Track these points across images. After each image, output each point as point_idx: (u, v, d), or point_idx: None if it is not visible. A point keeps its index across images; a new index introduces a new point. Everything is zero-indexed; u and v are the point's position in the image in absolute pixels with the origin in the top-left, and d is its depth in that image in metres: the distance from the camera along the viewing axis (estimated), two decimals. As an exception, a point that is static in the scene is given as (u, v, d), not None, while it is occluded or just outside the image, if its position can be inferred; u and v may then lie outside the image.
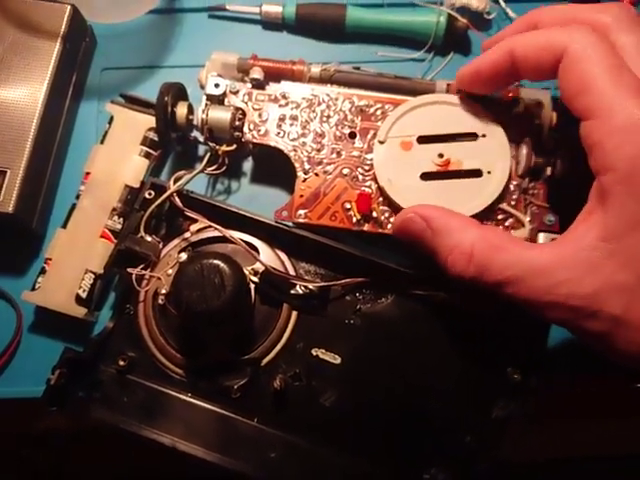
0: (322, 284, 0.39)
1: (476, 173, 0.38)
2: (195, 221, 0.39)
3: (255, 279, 0.38)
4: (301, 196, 0.39)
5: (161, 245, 0.40)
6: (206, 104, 0.40)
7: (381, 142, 0.39)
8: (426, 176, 0.38)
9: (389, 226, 0.39)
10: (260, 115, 0.40)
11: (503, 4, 0.48)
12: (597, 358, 0.33)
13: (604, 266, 0.28)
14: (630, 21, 0.32)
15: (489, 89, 0.38)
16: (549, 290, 0.29)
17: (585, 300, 0.28)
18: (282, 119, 0.40)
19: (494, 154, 0.39)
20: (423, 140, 0.39)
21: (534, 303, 0.30)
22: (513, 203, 0.38)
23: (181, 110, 0.40)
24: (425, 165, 0.38)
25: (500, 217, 0.38)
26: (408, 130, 0.39)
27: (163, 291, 0.38)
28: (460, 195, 0.38)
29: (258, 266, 0.38)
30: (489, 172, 0.38)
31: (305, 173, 0.39)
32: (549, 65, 0.32)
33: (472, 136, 0.39)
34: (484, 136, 0.39)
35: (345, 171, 0.39)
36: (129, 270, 0.38)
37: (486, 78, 0.36)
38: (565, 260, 0.29)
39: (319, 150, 0.40)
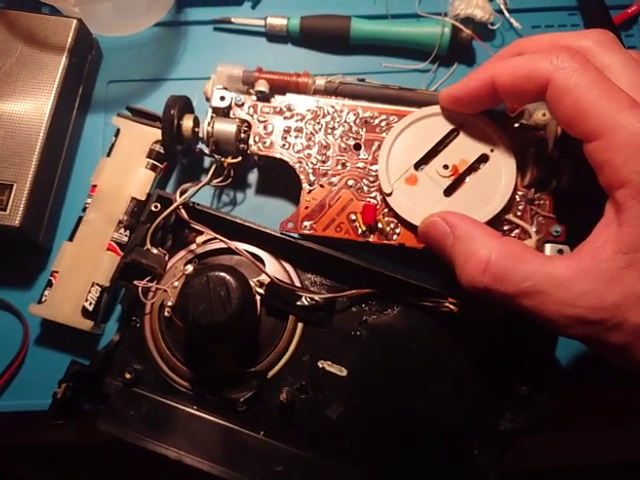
0: (328, 295, 0.39)
1: (483, 159, 0.39)
2: (201, 233, 0.40)
3: (261, 291, 0.38)
4: (306, 207, 0.39)
5: (167, 257, 0.40)
6: (212, 117, 0.40)
7: (389, 194, 0.38)
8: (448, 191, 0.38)
9: (394, 237, 0.39)
10: (265, 127, 0.41)
11: (507, 14, 0.48)
12: (605, 369, 0.33)
13: (624, 277, 0.28)
14: (611, 43, 0.33)
15: (471, 110, 0.38)
16: (572, 303, 0.29)
17: (608, 312, 0.28)
18: (287, 131, 0.40)
19: (480, 133, 0.39)
20: (419, 164, 0.39)
21: (555, 317, 0.29)
22: (519, 214, 0.38)
23: (187, 123, 0.40)
24: (440, 183, 0.38)
25: (506, 228, 0.38)
26: (402, 167, 0.39)
27: (169, 303, 0.38)
28: (486, 188, 0.38)
29: (264, 278, 0.38)
30: (492, 150, 0.38)
31: (310, 185, 0.40)
32: (532, 93, 0.32)
33: (454, 132, 0.39)
34: (462, 125, 0.39)
35: (350, 182, 0.40)
36: (135, 282, 0.38)
37: (467, 103, 0.37)
38: (585, 272, 0.29)
39: (324, 162, 0.40)
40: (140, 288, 0.38)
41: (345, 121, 0.40)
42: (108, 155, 0.43)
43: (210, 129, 0.40)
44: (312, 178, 0.40)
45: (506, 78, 0.33)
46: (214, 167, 0.41)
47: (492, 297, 0.31)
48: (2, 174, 0.40)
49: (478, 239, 0.32)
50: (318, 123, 0.40)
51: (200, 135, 0.40)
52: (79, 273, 0.41)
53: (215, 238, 0.39)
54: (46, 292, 0.40)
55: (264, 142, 0.40)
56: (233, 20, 0.48)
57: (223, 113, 0.41)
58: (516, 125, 0.39)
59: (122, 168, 0.43)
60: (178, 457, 0.37)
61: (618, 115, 0.29)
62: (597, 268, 0.29)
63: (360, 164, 0.40)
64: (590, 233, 0.31)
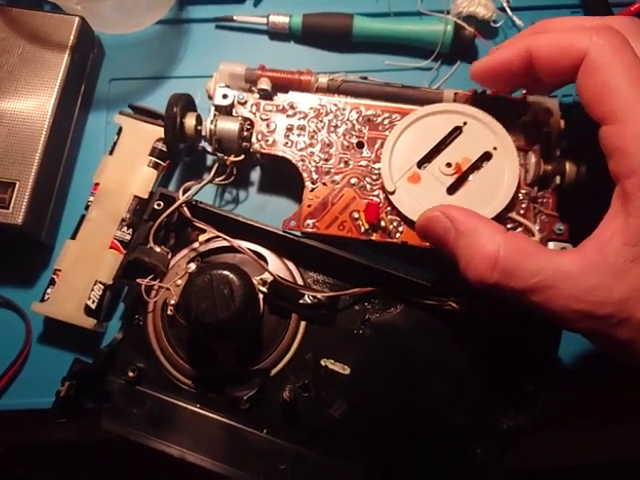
0: (331, 294, 0.39)
1: (486, 157, 0.39)
2: (204, 231, 0.40)
3: (264, 289, 0.38)
4: (309, 206, 0.39)
5: (170, 255, 0.40)
6: (214, 115, 0.40)
7: (392, 192, 0.38)
8: (451, 190, 0.38)
9: (397, 235, 0.39)
10: (268, 125, 0.40)
11: (510, 12, 0.48)
12: (609, 367, 0.33)
13: (631, 271, 0.28)
14: (638, 31, 0.32)
15: (501, 87, 0.37)
16: (580, 298, 0.28)
17: (615, 307, 0.28)
18: (290, 129, 0.40)
19: (483, 131, 0.39)
20: (422, 162, 0.39)
21: (562, 312, 0.29)
22: (522, 212, 0.38)
23: (189, 121, 0.40)
24: (443, 181, 0.38)
25: (510, 226, 0.38)
26: (405, 165, 0.39)
27: (172, 302, 0.38)
28: (489, 186, 0.38)
29: (267, 276, 0.38)
30: (495, 148, 0.38)
31: (313, 183, 0.40)
32: (567, 67, 0.31)
33: (457, 130, 0.39)
34: (465, 124, 0.39)
35: (353, 180, 0.39)
36: (138, 281, 0.38)
37: (500, 74, 0.35)
38: (593, 266, 0.29)
39: (327, 160, 0.40)
40: (143, 286, 0.38)
41: (348, 119, 0.40)
42: (110, 153, 0.43)
43: (213, 127, 0.40)
44: (315, 176, 0.40)
45: (544, 49, 0.32)
46: (217, 165, 0.41)
47: (500, 293, 0.31)
48: (5, 172, 0.40)
49: (484, 234, 0.32)
50: (321, 121, 0.40)
51: (203, 133, 0.40)
52: (82, 271, 0.41)
53: (218, 236, 0.39)
54: (49, 290, 0.41)
55: (267, 140, 0.40)
56: (235, 18, 0.48)
57: (226, 111, 0.41)
58: (519, 122, 0.39)
59: (124, 166, 0.43)
60: (181, 455, 0.37)
61: None
62: (604, 261, 0.28)
63: (363, 162, 0.40)
64: (594, 230, 0.30)
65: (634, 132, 0.28)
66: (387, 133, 0.40)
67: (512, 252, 0.30)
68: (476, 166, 0.39)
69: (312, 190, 0.39)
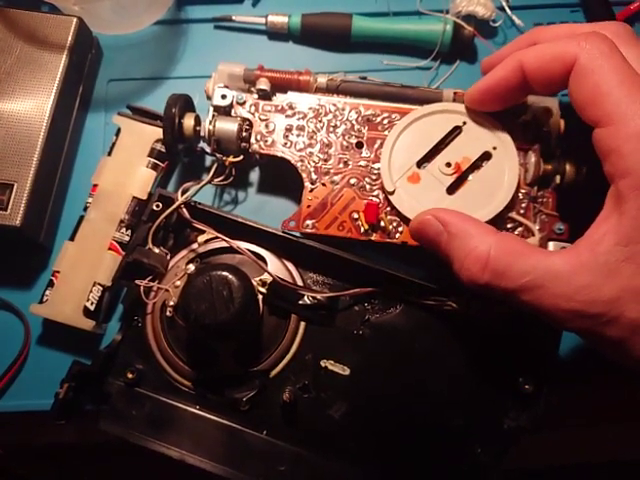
0: (330, 294, 0.39)
1: (486, 156, 0.38)
2: (202, 232, 0.39)
3: (263, 290, 0.38)
4: (308, 206, 0.39)
5: (169, 257, 0.40)
6: (213, 115, 0.40)
7: (391, 192, 0.38)
8: (451, 189, 0.38)
9: (397, 236, 0.38)
10: (267, 126, 0.40)
11: (509, 12, 0.48)
12: (608, 365, 0.33)
13: (622, 270, 0.28)
14: (628, 37, 0.33)
15: (499, 106, 0.38)
16: (570, 297, 0.29)
17: (605, 306, 0.28)
18: (289, 129, 0.40)
19: (482, 130, 0.39)
20: (422, 162, 0.39)
21: (553, 311, 0.29)
22: (522, 212, 0.38)
23: (188, 122, 0.40)
24: (443, 181, 0.38)
25: (510, 226, 0.38)
26: (404, 165, 0.39)
27: (171, 303, 0.37)
28: (489, 185, 0.38)
29: (266, 277, 0.38)
30: (494, 148, 0.38)
31: (312, 183, 0.39)
32: (560, 76, 0.32)
33: (456, 130, 0.39)
34: (464, 123, 0.39)
35: (352, 181, 0.39)
36: (137, 282, 0.38)
37: (497, 94, 0.36)
38: (584, 265, 0.29)
39: (326, 160, 0.40)
40: (142, 288, 0.38)
41: (347, 119, 0.40)
42: (109, 154, 0.43)
43: (211, 128, 0.40)
44: (314, 177, 0.39)
45: (534, 60, 0.33)
46: (215, 166, 0.40)
47: (492, 293, 0.31)
48: (3, 174, 0.40)
49: (476, 236, 0.32)
50: (320, 121, 0.40)
51: (201, 134, 0.40)
52: (80, 273, 0.41)
53: (217, 237, 0.39)
54: (47, 292, 0.40)
55: (266, 141, 0.40)
56: (234, 18, 0.48)
57: (224, 112, 0.40)
58: (519, 122, 0.39)
59: (123, 167, 0.43)
60: (180, 457, 0.37)
61: (634, 104, 0.28)
62: (595, 261, 0.29)
63: (362, 162, 0.40)
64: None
65: (627, 133, 0.28)
66: (386, 133, 0.40)
67: (503, 253, 0.31)
68: (476, 166, 0.38)
69: (311, 190, 0.39)
